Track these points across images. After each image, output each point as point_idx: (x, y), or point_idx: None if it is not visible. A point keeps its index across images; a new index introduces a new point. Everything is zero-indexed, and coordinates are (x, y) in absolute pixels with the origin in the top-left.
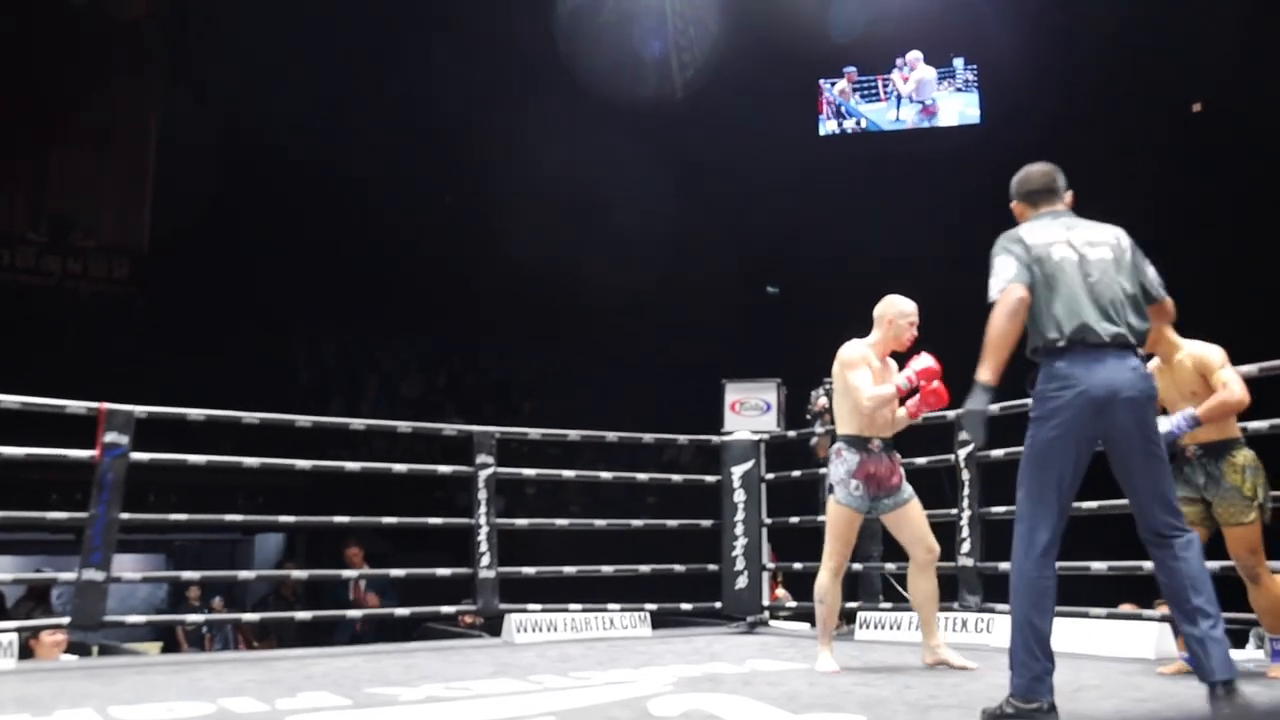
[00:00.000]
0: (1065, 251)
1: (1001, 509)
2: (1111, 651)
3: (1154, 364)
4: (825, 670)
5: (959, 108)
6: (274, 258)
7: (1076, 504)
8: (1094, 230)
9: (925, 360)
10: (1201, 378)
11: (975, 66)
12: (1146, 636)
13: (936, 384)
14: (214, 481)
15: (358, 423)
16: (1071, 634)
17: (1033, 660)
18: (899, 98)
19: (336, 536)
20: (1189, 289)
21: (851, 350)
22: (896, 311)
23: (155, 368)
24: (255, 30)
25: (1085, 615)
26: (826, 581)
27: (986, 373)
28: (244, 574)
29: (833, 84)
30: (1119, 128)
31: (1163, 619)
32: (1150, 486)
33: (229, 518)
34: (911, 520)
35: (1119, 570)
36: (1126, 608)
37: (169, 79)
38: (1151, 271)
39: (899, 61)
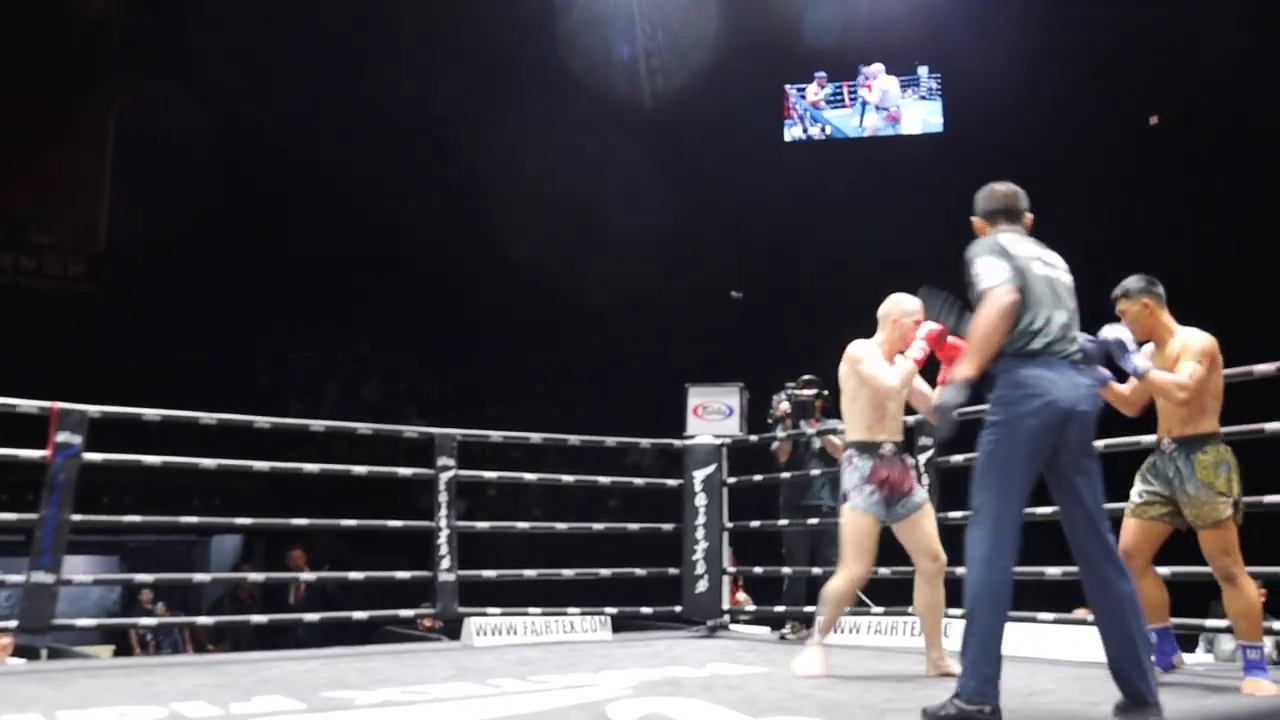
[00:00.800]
0: (1041, 269)
1: (959, 514)
2: (1065, 656)
3: (1148, 349)
4: (805, 672)
5: (923, 115)
6: (235, 258)
7: (1031, 511)
8: (1051, 254)
9: (927, 325)
10: (1180, 358)
11: (939, 75)
12: (1099, 641)
13: (951, 340)
14: (169, 483)
15: (317, 424)
16: (1024, 638)
17: (984, 663)
18: (864, 105)
19: (295, 539)
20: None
21: (860, 346)
22: (900, 310)
23: (111, 367)
24: (226, 28)
25: (1034, 620)
26: (841, 587)
27: (970, 368)
28: (199, 576)
29: (801, 90)
30: (1082, 138)
31: None
32: (1091, 500)
33: (184, 520)
34: (922, 528)
35: (1072, 575)
36: (1080, 613)
37: (133, 76)
38: None
39: (864, 70)
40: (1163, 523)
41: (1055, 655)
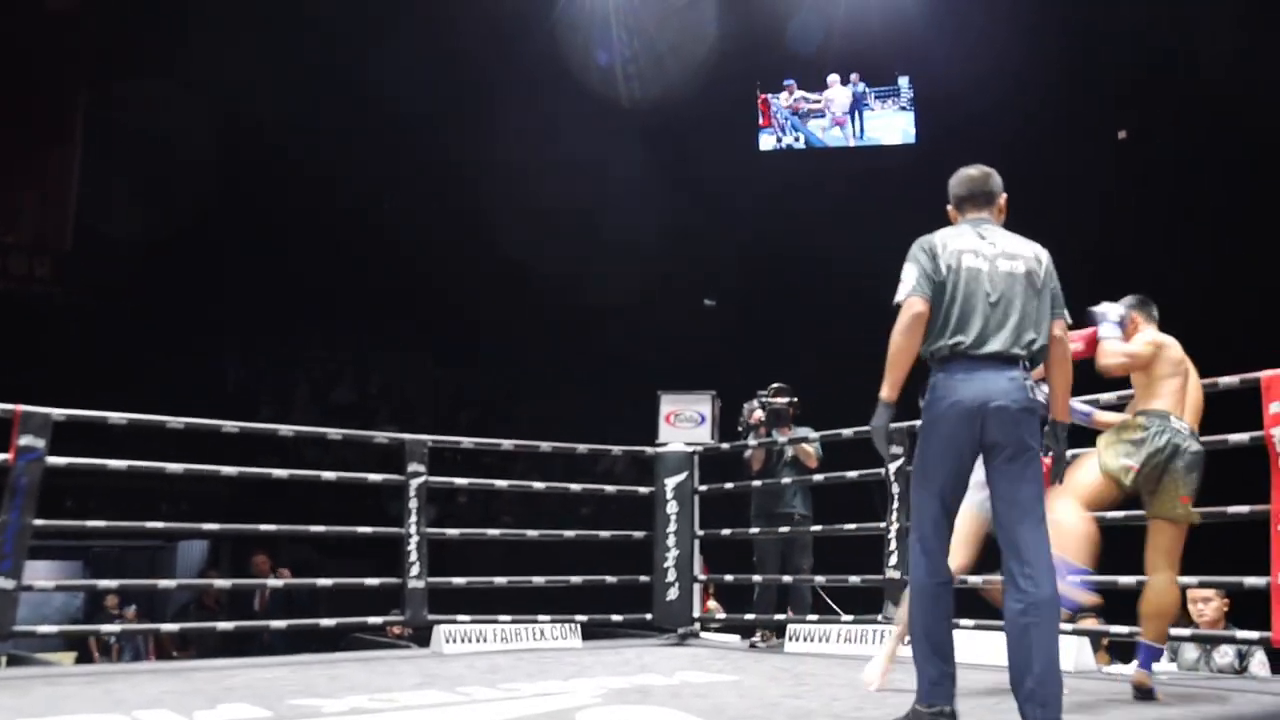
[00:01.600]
0: (973, 261)
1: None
2: None
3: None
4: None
5: (902, 126)
6: (204, 259)
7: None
8: (1013, 243)
9: None
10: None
11: (913, 86)
12: (1065, 650)
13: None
14: (135, 487)
15: (286, 429)
16: (991, 646)
17: (929, 665)
18: (837, 115)
19: (263, 545)
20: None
21: None
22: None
23: (76, 369)
24: (218, 26)
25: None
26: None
27: (886, 389)
28: (164, 583)
29: (777, 98)
30: (1058, 157)
31: (1080, 633)
32: (1009, 494)
33: (150, 525)
34: None
35: None
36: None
37: (100, 76)
38: (1060, 293)
39: (832, 79)
40: (1118, 491)
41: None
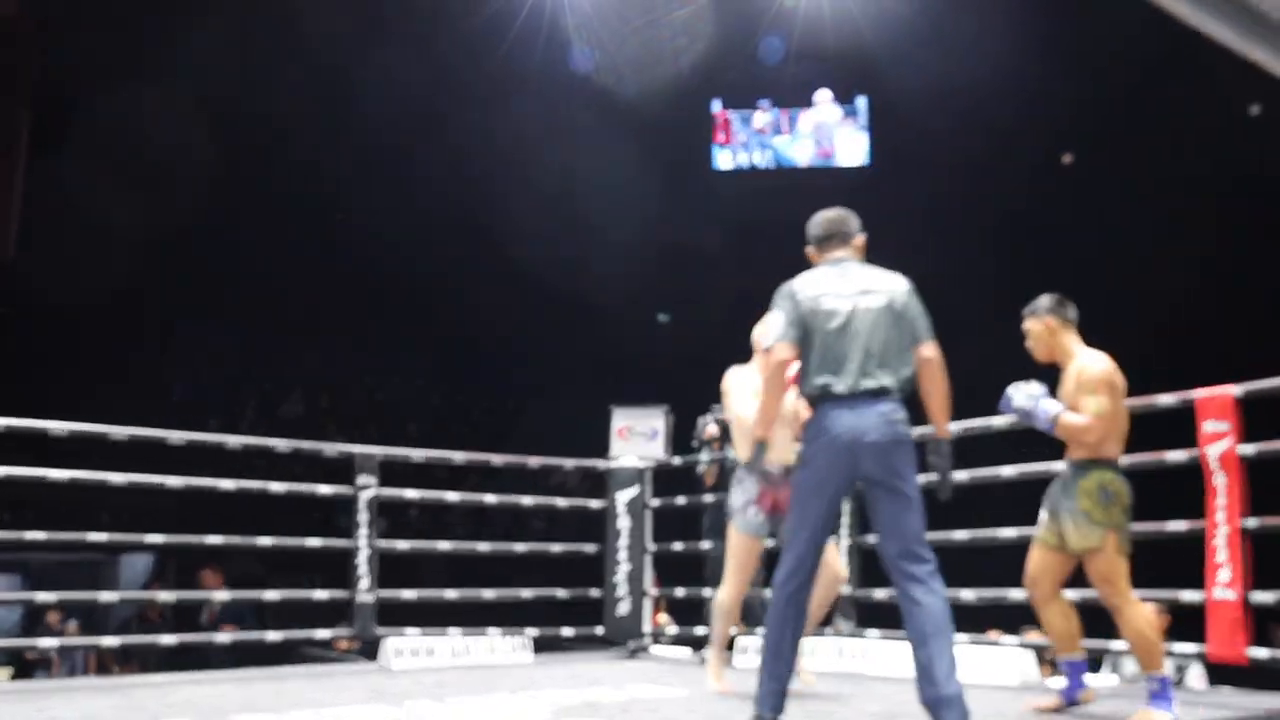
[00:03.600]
0: (834, 303)
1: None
2: (976, 679)
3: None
4: (714, 686)
5: (863, 146)
6: (151, 268)
7: (948, 535)
8: (871, 278)
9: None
10: (1077, 389)
11: (870, 108)
12: (1010, 664)
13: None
14: (77, 499)
15: (234, 440)
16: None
17: (767, 677)
18: (797, 135)
19: (208, 558)
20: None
21: (731, 376)
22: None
23: (17, 379)
24: (147, 42)
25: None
26: (727, 605)
27: (758, 430)
28: (105, 595)
29: (746, 117)
30: (1005, 180)
31: (1025, 646)
32: (890, 523)
33: (91, 537)
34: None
35: (987, 600)
36: (993, 635)
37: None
38: (922, 318)
39: (821, 96)
40: (1060, 551)
41: (967, 679)
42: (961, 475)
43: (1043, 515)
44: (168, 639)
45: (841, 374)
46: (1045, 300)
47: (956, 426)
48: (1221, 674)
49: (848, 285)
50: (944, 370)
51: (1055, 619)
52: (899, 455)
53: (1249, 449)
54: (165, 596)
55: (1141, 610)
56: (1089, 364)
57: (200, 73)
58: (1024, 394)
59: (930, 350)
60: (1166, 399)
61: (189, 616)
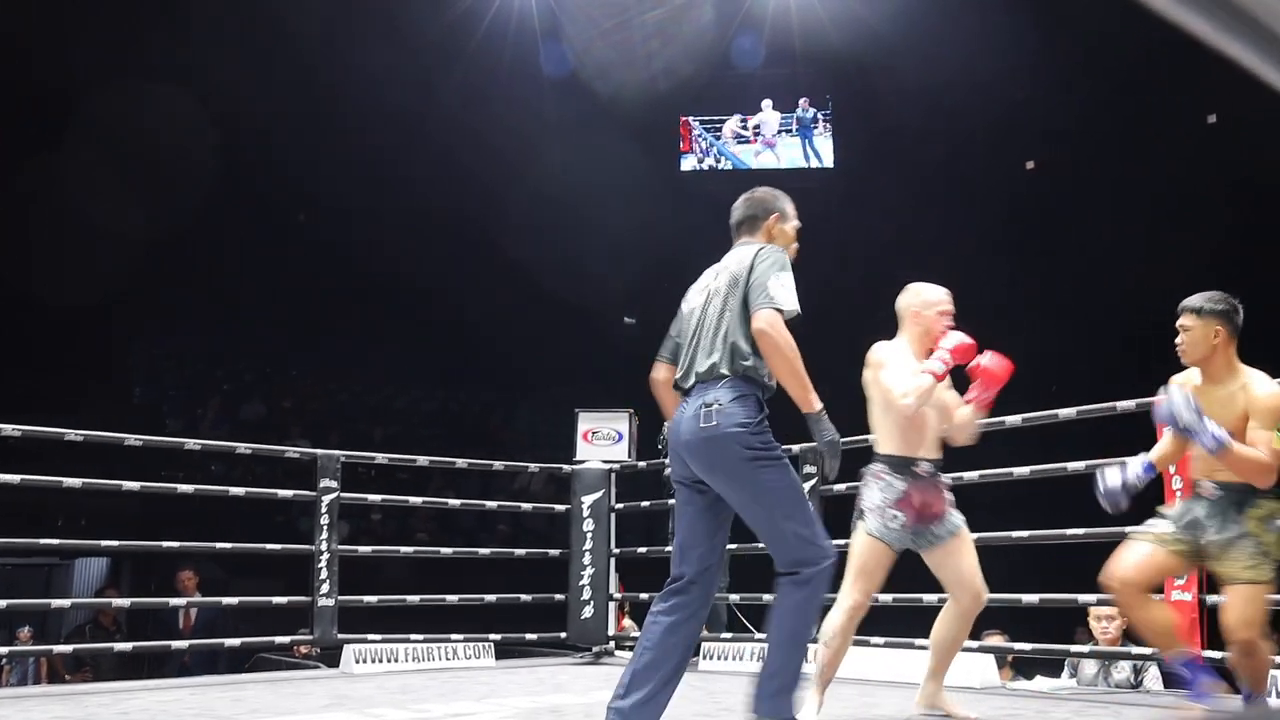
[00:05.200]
0: (694, 299)
1: (841, 541)
2: (904, 677)
3: (1187, 376)
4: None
5: (826, 150)
6: (108, 265)
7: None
8: (731, 258)
9: (955, 337)
10: (1250, 415)
11: (829, 113)
12: (971, 667)
13: (987, 359)
14: (30, 502)
15: (193, 443)
16: (901, 664)
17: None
18: (763, 140)
19: (166, 563)
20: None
21: (881, 350)
22: (921, 302)
23: None
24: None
25: (911, 645)
26: (839, 621)
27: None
28: (57, 602)
29: (715, 129)
30: (972, 184)
31: (984, 650)
32: (752, 529)
33: (44, 541)
34: (961, 557)
35: (903, 600)
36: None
37: None
38: (767, 284)
39: (765, 104)
40: (1181, 562)
41: (891, 677)
42: None
43: (1165, 524)
44: (122, 645)
45: (680, 372)
46: (1215, 301)
47: None
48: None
49: (711, 275)
50: (783, 336)
51: (1160, 614)
52: (716, 450)
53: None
54: (120, 602)
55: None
56: (1261, 388)
57: (178, 75)
58: (1188, 404)
59: (762, 319)
60: (1128, 404)
61: (145, 622)
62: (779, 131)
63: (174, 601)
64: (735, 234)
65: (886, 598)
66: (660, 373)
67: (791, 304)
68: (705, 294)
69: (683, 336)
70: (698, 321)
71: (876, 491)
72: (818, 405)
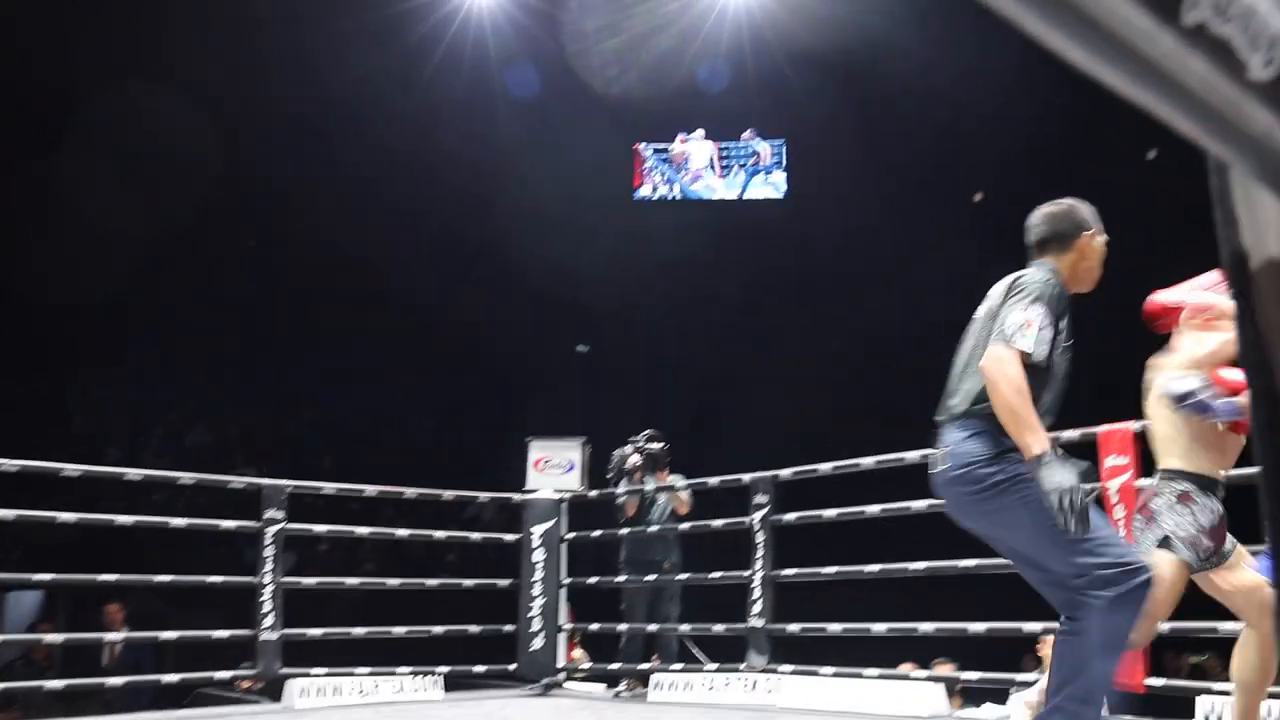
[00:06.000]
0: (971, 327)
1: (791, 571)
2: (888, 710)
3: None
4: None
5: (779, 181)
6: (46, 287)
7: (860, 568)
8: (1002, 282)
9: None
10: None
11: (782, 142)
12: (920, 696)
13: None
14: None
15: (134, 472)
16: (847, 693)
17: None
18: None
19: (104, 596)
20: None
21: (1159, 359)
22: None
23: None
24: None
25: (859, 675)
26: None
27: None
28: None
29: (662, 152)
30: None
31: (934, 679)
32: (1025, 556)
33: None
34: (1242, 567)
35: (897, 632)
36: (906, 667)
37: None
38: (1008, 317)
39: (696, 133)
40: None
41: (878, 710)
42: (873, 509)
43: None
44: (54, 683)
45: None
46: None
47: (869, 461)
48: (1120, 702)
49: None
50: (1004, 374)
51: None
52: (950, 495)
53: (1148, 482)
54: (53, 638)
55: None
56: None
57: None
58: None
59: (989, 355)
60: (1070, 433)
61: (81, 658)
62: (712, 165)
63: (109, 636)
64: (1034, 254)
65: (836, 627)
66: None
67: (1025, 342)
68: (973, 323)
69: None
70: (957, 354)
71: (1188, 517)
72: (1036, 449)
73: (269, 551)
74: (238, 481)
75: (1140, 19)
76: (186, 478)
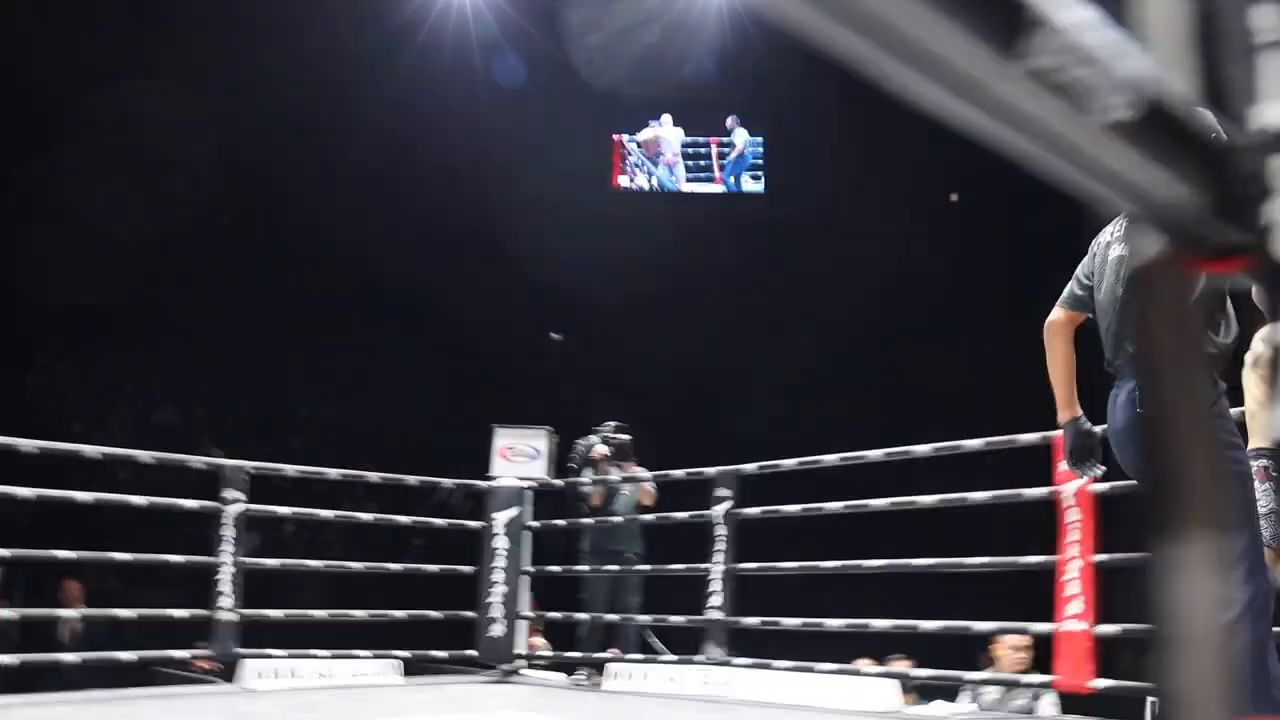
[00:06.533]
0: (1117, 249)
1: (753, 565)
2: (841, 705)
3: None
4: None
5: (759, 172)
6: (9, 264)
7: (819, 563)
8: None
9: None
10: None
11: (761, 138)
12: (874, 692)
13: None
14: None
15: (93, 450)
16: (801, 687)
17: None
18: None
19: (62, 574)
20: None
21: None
22: None
23: None
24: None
25: (811, 670)
26: None
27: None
28: None
29: (639, 143)
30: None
31: (888, 675)
32: None
33: None
34: None
35: (854, 627)
36: (861, 663)
37: None
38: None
39: (664, 119)
40: None
41: (833, 705)
42: (835, 505)
43: None
44: (7, 659)
45: (1107, 349)
46: None
47: (833, 458)
48: (1071, 703)
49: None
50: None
51: None
52: (1124, 451)
53: (1102, 486)
54: (6, 613)
55: None
56: None
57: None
58: None
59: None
60: (1028, 437)
61: (37, 635)
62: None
63: (64, 613)
64: None
65: (794, 621)
66: (1060, 315)
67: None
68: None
69: (1099, 292)
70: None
71: (1269, 494)
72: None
73: (227, 532)
74: (198, 461)
75: (982, 60)
76: (146, 456)
